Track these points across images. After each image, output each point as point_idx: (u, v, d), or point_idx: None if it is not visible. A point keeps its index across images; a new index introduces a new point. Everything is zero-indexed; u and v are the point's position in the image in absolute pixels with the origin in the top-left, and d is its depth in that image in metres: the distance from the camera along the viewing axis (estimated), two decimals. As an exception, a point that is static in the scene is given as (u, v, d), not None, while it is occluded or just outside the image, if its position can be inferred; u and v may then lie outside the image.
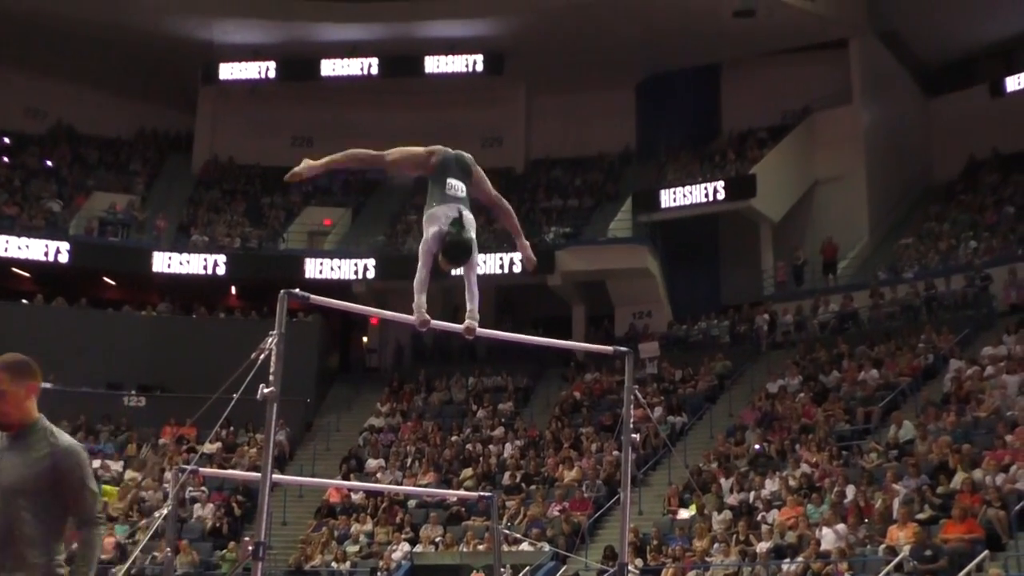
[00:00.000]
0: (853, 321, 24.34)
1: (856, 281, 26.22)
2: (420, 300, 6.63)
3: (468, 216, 6.66)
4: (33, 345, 26.41)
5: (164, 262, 27.61)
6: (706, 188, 26.93)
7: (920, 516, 14.39)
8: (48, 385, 25.25)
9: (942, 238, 25.95)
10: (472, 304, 6.80)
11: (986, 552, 13.18)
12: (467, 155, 7.08)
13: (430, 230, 6.61)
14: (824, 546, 14.80)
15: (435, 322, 7.03)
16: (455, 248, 6.53)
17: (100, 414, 24.90)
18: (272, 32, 30.50)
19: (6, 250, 26.32)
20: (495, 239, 28.65)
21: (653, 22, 28.10)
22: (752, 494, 17.66)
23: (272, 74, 30.96)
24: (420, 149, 7.17)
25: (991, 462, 14.89)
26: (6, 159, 30.25)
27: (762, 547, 15.59)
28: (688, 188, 27.16)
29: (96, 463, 22.79)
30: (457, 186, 6.81)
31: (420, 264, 6.61)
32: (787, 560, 15.00)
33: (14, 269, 27.49)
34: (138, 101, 32.88)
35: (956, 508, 14.10)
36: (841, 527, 14.93)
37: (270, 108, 32.15)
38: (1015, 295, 21.83)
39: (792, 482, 17.33)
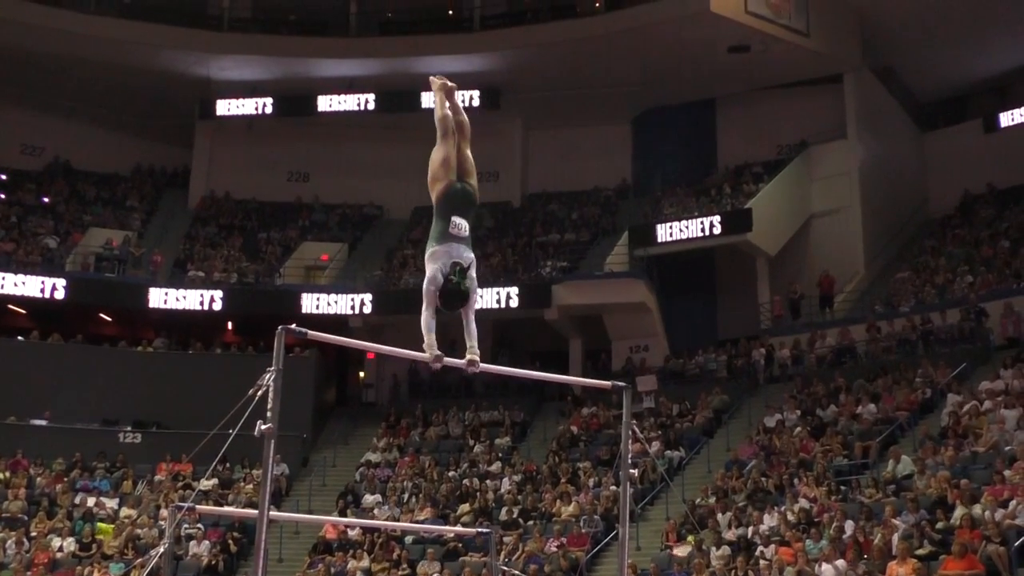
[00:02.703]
0: (850, 355, 24.35)
1: (853, 315, 26.25)
2: (430, 339, 6.85)
3: (469, 257, 6.76)
4: (28, 382, 26.56)
5: (160, 298, 27.57)
6: (702, 222, 27.01)
7: (919, 552, 14.34)
8: (43, 422, 25.42)
9: (938, 272, 26.00)
10: (472, 341, 7.00)
11: (986, 588, 13.15)
12: (472, 186, 7.40)
13: (431, 268, 6.77)
14: (823, 582, 14.75)
15: (446, 359, 7.13)
16: (452, 297, 6.91)
17: (95, 451, 24.77)
18: (269, 68, 30.70)
19: (2, 287, 26.21)
20: (491, 273, 28.73)
21: (649, 57, 28.34)
22: (750, 529, 17.59)
23: (269, 110, 31.14)
24: (443, 167, 7.41)
25: (990, 497, 14.86)
26: (2, 196, 30.21)
27: (761, 583, 15.54)
28: (684, 222, 27.24)
29: (91, 500, 22.73)
30: (461, 224, 7.05)
31: (424, 304, 6.76)
32: (786, 596, 14.95)
33: (10, 306, 27.42)
34: (135, 137, 33.00)
35: (955, 544, 14.04)
36: (840, 563, 14.88)
37: (267, 143, 32.28)
38: (1011, 329, 21.86)
39: (791, 517, 17.27)
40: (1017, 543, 13.68)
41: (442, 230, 6.95)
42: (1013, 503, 14.43)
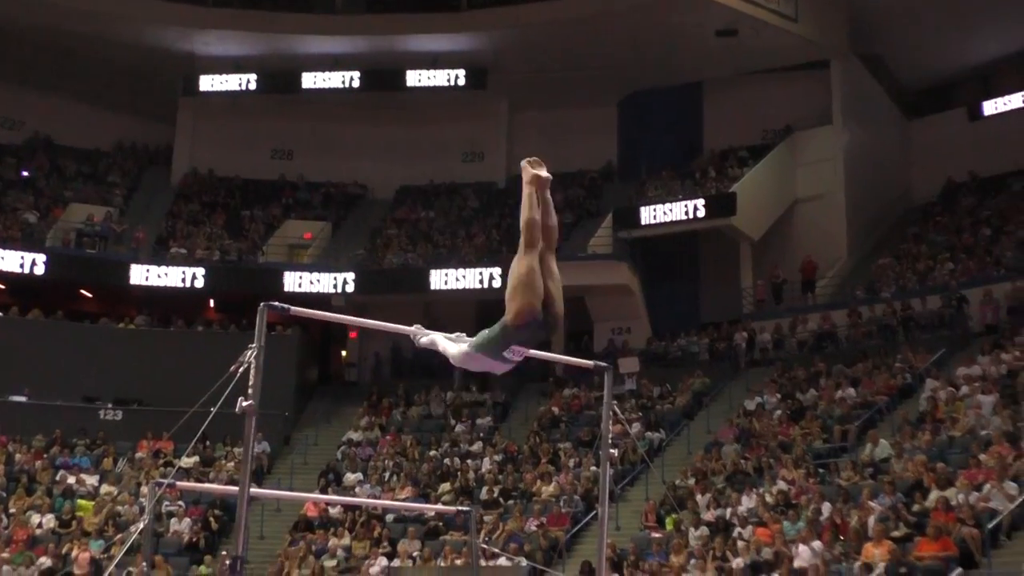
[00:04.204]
0: (831, 340, 24.53)
1: (834, 300, 26.44)
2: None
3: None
4: (8, 357, 26.47)
5: (142, 275, 27.52)
6: (687, 206, 27.12)
7: (895, 534, 14.50)
8: (23, 398, 25.34)
9: (919, 259, 26.18)
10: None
11: (959, 570, 13.32)
12: (556, 316, 5.81)
13: (455, 349, 6.24)
14: (800, 563, 14.90)
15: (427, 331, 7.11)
16: None
17: (76, 428, 24.75)
18: (253, 44, 30.55)
19: (-19, 261, 26.17)
20: (475, 253, 28.80)
21: (636, 40, 28.33)
22: (729, 510, 17.76)
23: (253, 86, 30.98)
24: (528, 287, 5.75)
25: (965, 481, 15.04)
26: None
27: (738, 563, 15.70)
28: (669, 205, 27.33)
29: (71, 477, 22.73)
30: (518, 353, 5.94)
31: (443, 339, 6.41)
32: (763, 575, 15.13)
33: (-11, 280, 27.36)
34: (117, 112, 32.71)
35: (930, 526, 14.21)
36: (817, 544, 15.04)
37: (251, 120, 32.14)
38: (990, 316, 22.05)
39: (769, 499, 17.44)
40: (991, 526, 13.86)
41: (495, 347, 5.88)
42: (987, 487, 14.61)
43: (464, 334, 6.40)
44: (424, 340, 6.68)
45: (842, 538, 15.13)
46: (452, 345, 6.27)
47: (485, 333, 5.93)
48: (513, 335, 5.78)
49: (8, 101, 31.33)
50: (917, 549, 13.96)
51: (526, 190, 6.05)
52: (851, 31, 28.76)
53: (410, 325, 7.09)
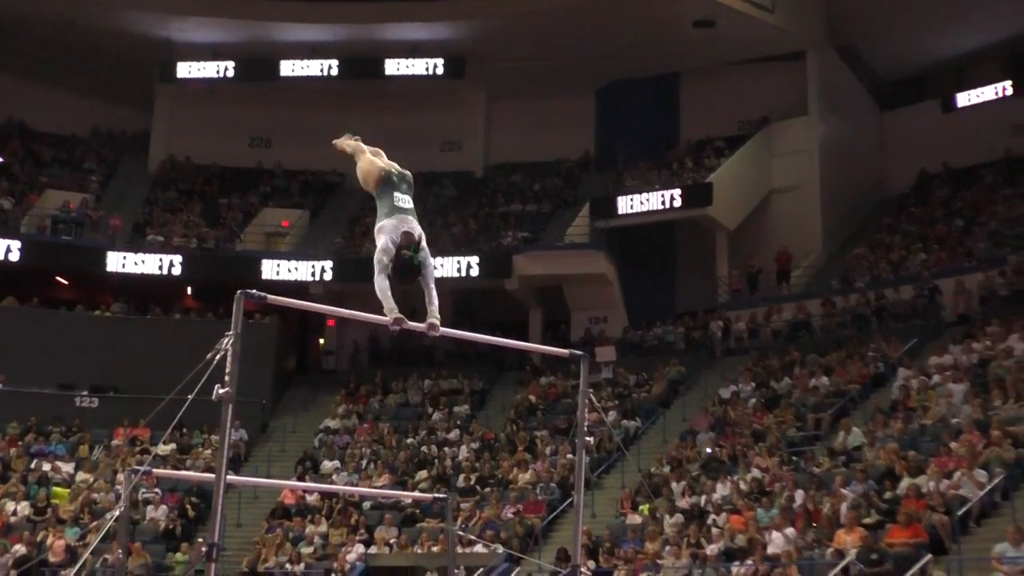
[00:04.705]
0: (805, 329, 24.65)
1: (809, 290, 26.57)
2: (390, 304, 6.89)
3: (418, 229, 7.08)
4: (-16, 344, 25.84)
5: (119, 262, 27.34)
6: (663, 195, 27.18)
7: (867, 521, 14.60)
8: (-2, 385, 25.04)
9: (893, 249, 26.35)
10: (432, 306, 7.04)
11: (929, 556, 13.41)
12: (408, 172, 7.61)
13: (382, 239, 7.01)
14: (773, 549, 14.99)
15: (408, 323, 7.16)
16: (405, 271, 7.04)
17: (51, 415, 24.61)
18: (231, 31, 30.35)
19: (-45, 247, 25.94)
20: (452, 242, 28.77)
21: (614, 30, 28.31)
22: (703, 498, 17.84)
23: (231, 74, 30.81)
24: (374, 164, 7.69)
25: (936, 469, 15.14)
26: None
27: (712, 550, 15.78)
28: (645, 195, 27.39)
29: (46, 465, 22.61)
30: (405, 198, 7.27)
31: (377, 272, 6.79)
32: (737, 563, 15.20)
33: (-37, 267, 27.09)
34: (93, 98, 32.42)
35: (901, 513, 14.32)
36: (790, 531, 15.14)
37: (228, 108, 31.94)
38: (962, 306, 22.22)
39: (743, 486, 17.54)
40: (960, 512, 13.99)
41: (389, 204, 7.18)
42: (957, 474, 14.73)
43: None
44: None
45: (815, 525, 15.23)
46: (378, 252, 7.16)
47: (378, 213, 7.34)
48: (386, 188, 7.38)
49: (-17, 87, 31.03)
50: (888, 536, 14.07)
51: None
52: (827, 23, 28.88)
53: (387, 315, 7.11)
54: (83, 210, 28.50)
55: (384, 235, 7.07)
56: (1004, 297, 21.56)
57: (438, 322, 7.19)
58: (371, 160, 7.75)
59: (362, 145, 8.11)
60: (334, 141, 8.32)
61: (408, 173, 7.58)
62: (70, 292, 29.00)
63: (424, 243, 7.17)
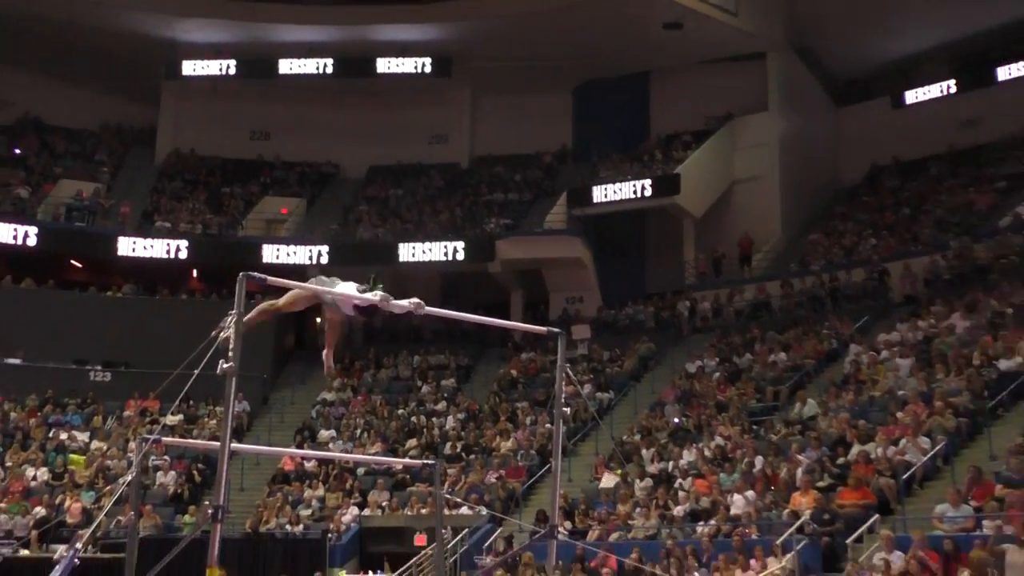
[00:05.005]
0: (765, 309, 24.73)
1: (769, 273, 26.63)
2: (369, 294, 6.83)
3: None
4: (3, 323, 26.11)
5: (129, 246, 27.21)
6: (635, 185, 27.18)
7: (820, 484, 14.70)
8: (17, 361, 25.05)
9: (846, 235, 26.44)
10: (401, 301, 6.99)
11: (877, 516, 13.54)
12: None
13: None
14: (735, 510, 15.11)
15: (395, 301, 7.11)
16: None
17: (67, 388, 24.56)
18: (233, 32, 30.11)
19: (-25, 233, 25.75)
20: (439, 229, 28.73)
21: (589, 32, 28.24)
22: (671, 463, 17.93)
23: (232, 71, 30.59)
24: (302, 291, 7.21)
25: (883, 436, 15.23)
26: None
27: (679, 511, 15.89)
28: (618, 185, 27.38)
29: (63, 434, 22.56)
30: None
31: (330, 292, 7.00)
32: (701, 523, 15.30)
33: (-16, 251, 26.91)
34: (103, 94, 32.16)
35: (851, 477, 14.44)
36: (750, 493, 15.24)
37: (230, 104, 31.73)
38: (909, 287, 22.33)
39: (707, 453, 17.63)
40: (905, 476, 14.10)
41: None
42: (903, 441, 14.83)
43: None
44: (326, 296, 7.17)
45: (773, 488, 15.33)
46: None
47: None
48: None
49: (1, 83, 30.68)
50: (840, 498, 14.17)
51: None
52: (786, 26, 28.87)
53: (373, 299, 7.03)
54: (95, 199, 28.33)
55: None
56: (947, 279, 21.69)
57: (421, 302, 7.08)
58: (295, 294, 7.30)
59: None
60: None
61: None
62: (83, 275, 28.84)
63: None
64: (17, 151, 30.02)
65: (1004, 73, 28.00)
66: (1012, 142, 26.67)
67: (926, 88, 29.48)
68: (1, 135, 30.32)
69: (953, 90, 29.00)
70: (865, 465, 14.57)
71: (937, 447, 14.46)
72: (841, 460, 15.38)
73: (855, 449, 15.28)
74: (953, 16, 27.71)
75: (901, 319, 20.49)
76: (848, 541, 13.15)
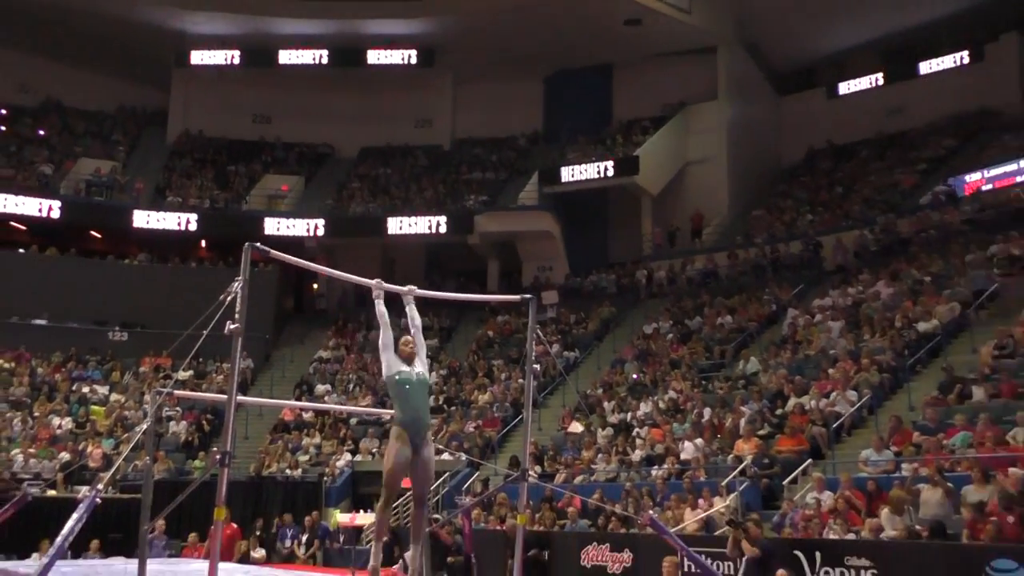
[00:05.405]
0: (714, 277, 24.80)
1: (717, 245, 26.72)
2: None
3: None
4: (29, 288, 25.88)
5: (143, 219, 26.93)
6: (599, 166, 27.14)
7: (760, 432, 14.77)
8: (43, 321, 24.85)
9: (786, 211, 26.53)
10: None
11: (810, 460, 13.64)
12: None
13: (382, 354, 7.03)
14: (685, 456, 15.20)
15: (386, 285, 7.11)
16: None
17: (88, 347, 24.37)
18: (237, 24, 29.67)
19: (4, 207, 25.40)
20: (424, 204, 28.58)
21: (559, 27, 28.06)
22: (629, 414, 18.01)
23: (236, 61, 30.22)
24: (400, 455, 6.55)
25: (816, 390, 15.33)
26: (3, 128, 29.04)
27: (636, 456, 15.96)
28: (584, 166, 27.32)
29: (85, 387, 22.42)
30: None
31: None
32: (656, 467, 15.40)
33: (12, 223, 26.55)
34: (119, 80, 31.75)
35: (788, 426, 14.52)
36: (699, 441, 15.32)
37: (235, 90, 31.37)
38: (840, 258, 22.46)
39: (661, 405, 17.70)
40: (835, 425, 14.23)
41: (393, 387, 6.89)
42: (834, 394, 14.92)
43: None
44: (379, 307, 7.08)
45: (719, 436, 15.40)
46: (383, 341, 7.01)
47: (392, 380, 6.79)
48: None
49: (26, 69, 30.23)
50: (777, 444, 14.25)
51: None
52: (734, 23, 28.79)
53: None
54: (112, 175, 27.98)
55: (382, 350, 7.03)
56: (874, 251, 21.82)
57: (414, 288, 7.04)
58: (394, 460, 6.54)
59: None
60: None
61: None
62: (102, 244, 28.52)
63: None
64: (41, 132, 29.55)
65: (926, 67, 28.12)
66: (932, 129, 26.83)
67: (857, 80, 29.59)
68: (26, 117, 29.87)
69: (881, 82, 29.11)
70: (800, 415, 14.66)
71: (863, 399, 14.58)
72: (779, 411, 15.44)
73: (791, 401, 15.36)
74: (881, 16, 27.75)
75: (833, 286, 20.58)
76: (784, 482, 13.26)
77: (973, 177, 22.51)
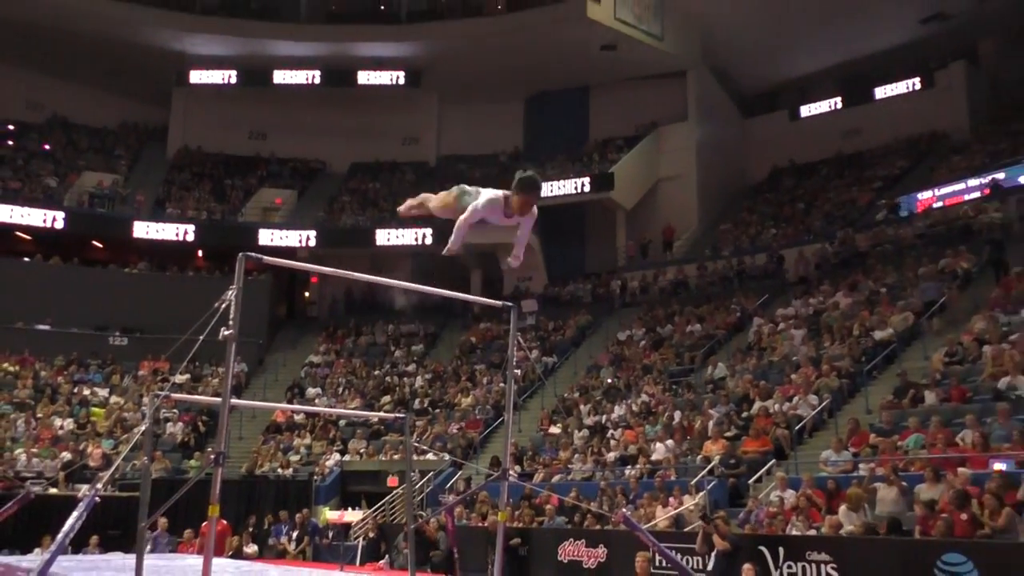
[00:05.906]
0: (684, 287, 24.87)
1: (687, 256, 26.78)
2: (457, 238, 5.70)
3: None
4: (34, 295, 25.62)
5: (143, 230, 26.72)
6: (576, 182, 27.18)
7: (727, 434, 14.78)
8: (46, 327, 24.58)
9: (751, 226, 26.67)
10: (518, 248, 6.02)
11: (774, 461, 13.67)
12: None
13: (483, 198, 5.66)
14: (657, 456, 15.19)
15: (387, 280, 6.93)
16: (530, 182, 5.34)
17: (89, 350, 24.12)
18: (234, 46, 29.56)
19: (11, 217, 25.14)
20: (412, 218, 28.45)
21: (538, 52, 28.13)
22: (604, 417, 18.00)
23: (234, 80, 30.08)
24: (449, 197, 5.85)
25: (780, 394, 15.35)
26: (10, 143, 28.77)
27: (611, 457, 15.94)
28: (562, 182, 27.35)
29: (86, 390, 22.15)
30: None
31: (467, 215, 5.68)
32: (629, 467, 15.38)
33: (18, 233, 26.26)
34: (122, 98, 31.57)
35: (753, 428, 14.52)
36: (670, 442, 15.31)
37: (232, 108, 31.21)
38: (802, 269, 22.57)
39: (635, 408, 17.70)
40: (797, 427, 14.27)
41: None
42: (796, 398, 14.97)
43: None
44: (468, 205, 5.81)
45: (689, 437, 15.42)
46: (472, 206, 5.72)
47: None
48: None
49: (32, 86, 29.98)
50: (743, 445, 14.25)
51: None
52: (703, 49, 28.96)
53: (361, 272, 6.84)
54: (114, 188, 27.76)
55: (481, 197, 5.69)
56: (833, 264, 21.93)
57: (518, 258, 6.08)
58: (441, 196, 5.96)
59: (426, 195, 6.27)
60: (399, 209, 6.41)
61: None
62: (104, 254, 28.26)
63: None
64: (46, 147, 29.30)
65: (881, 92, 28.41)
66: (887, 150, 27.09)
67: (817, 103, 29.83)
68: (34, 133, 29.60)
69: (839, 106, 29.35)
70: (765, 418, 14.68)
71: (823, 403, 14.63)
72: (745, 414, 15.45)
73: (757, 405, 15.36)
74: (840, 44, 28.02)
75: (795, 296, 20.65)
76: (750, 482, 13.28)
77: (925, 195, 22.72)
